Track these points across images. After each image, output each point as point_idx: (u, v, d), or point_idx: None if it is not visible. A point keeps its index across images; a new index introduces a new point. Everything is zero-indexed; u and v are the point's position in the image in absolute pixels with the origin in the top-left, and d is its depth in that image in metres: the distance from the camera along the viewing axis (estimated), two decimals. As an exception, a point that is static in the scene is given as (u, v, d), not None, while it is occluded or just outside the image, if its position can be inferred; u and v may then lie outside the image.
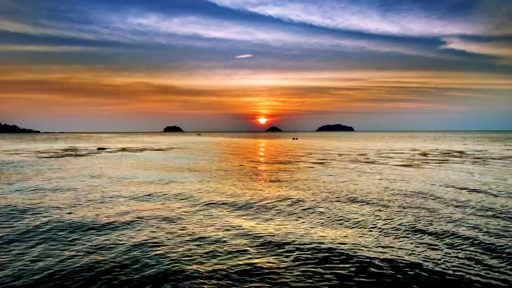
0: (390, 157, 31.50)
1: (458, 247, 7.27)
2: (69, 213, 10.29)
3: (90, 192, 13.88)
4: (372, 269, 6.15)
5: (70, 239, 7.85)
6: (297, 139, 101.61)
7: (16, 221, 9.34)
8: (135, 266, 6.31)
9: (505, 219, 9.48)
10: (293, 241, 7.67)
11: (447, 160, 28.33)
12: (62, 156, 33.90)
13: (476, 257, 6.71)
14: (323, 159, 29.52)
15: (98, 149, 47.63)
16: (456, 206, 11.05)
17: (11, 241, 7.74)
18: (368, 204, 11.50)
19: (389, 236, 8.05)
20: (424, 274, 5.95)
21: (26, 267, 6.24)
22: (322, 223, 9.15)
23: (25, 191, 13.99)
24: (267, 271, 6.09)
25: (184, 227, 8.80)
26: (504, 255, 6.85)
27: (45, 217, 9.79)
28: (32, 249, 7.17)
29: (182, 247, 7.29)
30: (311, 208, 10.94)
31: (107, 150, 45.37)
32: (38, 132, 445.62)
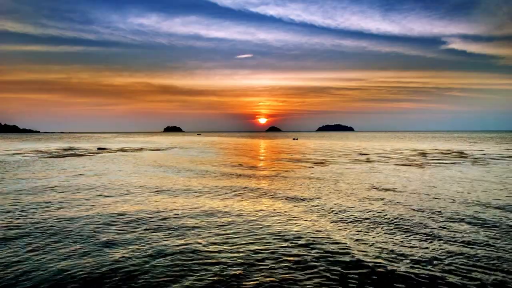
0: (390, 157, 31.53)
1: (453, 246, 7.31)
2: (69, 210, 10.34)
3: (88, 190, 13.91)
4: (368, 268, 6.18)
5: (68, 235, 7.89)
6: (297, 139, 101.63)
7: (16, 219, 9.38)
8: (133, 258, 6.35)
9: (501, 214, 9.54)
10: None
11: (446, 160, 28.36)
12: (62, 156, 33.93)
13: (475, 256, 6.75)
14: (324, 160, 29.58)
15: (98, 149, 47.68)
16: (452, 205, 11.10)
17: (9, 237, 7.78)
18: (368, 202, 11.55)
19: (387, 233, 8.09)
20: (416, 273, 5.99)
21: (24, 263, 6.28)
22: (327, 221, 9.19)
23: (26, 190, 14.01)
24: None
25: (180, 224, 8.85)
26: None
27: (44, 214, 9.83)
28: (32, 246, 7.20)
29: (177, 244, 7.34)
30: (312, 208, 10.98)
31: (107, 150, 45.42)
32: (38, 132, 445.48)
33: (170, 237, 7.99)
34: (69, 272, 5.99)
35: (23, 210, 10.59)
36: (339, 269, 6.19)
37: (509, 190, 14.06)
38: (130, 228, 8.67)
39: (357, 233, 8.35)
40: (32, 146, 55.29)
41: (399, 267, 6.26)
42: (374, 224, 9.14)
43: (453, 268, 6.24)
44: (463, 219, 9.55)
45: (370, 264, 6.37)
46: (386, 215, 10.07)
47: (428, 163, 26.15)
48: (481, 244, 7.47)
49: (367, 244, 7.53)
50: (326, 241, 7.72)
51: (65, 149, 46.60)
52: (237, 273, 6.01)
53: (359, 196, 12.98)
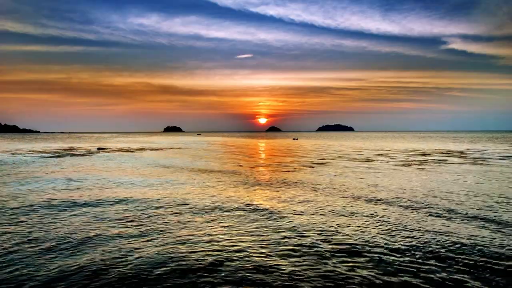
0: (389, 157, 31.54)
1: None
2: (66, 208, 10.35)
3: (86, 189, 13.92)
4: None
5: (64, 232, 7.90)
6: (297, 139, 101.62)
7: (15, 216, 9.40)
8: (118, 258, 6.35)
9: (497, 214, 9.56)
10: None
11: (445, 160, 28.37)
12: (62, 156, 33.94)
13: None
14: (324, 160, 29.59)
15: (98, 149, 47.70)
16: (448, 204, 11.11)
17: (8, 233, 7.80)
18: (369, 202, 11.56)
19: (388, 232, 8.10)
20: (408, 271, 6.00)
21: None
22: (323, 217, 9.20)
23: (25, 189, 14.02)
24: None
25: (176, 225, 8.85)
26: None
27: (42, 212, 9.84)
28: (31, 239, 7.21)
29: (170, 244, 7.34)
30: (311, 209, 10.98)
31: (107, 150, 45.43)
32: (38, 132, 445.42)
33: (164, 235, 8.00)
34: (56, 269, 6.01)
35: (21, 207, 10.60)
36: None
37: (508, 190, 14.08)
38: (124, 226, 8.68)
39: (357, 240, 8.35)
40: (32, 146, 55.31)
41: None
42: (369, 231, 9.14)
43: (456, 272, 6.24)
44: (461, 221, 9.56)
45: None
46: (383, 219, 10.07)
47: (427, 163, 26.16)
48: (482, 245, 7.48)
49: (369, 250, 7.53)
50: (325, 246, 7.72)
51: (65, 149, 46.60)
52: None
53: (359, 198, 12.99)
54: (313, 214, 10.05)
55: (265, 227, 8.76)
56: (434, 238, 7.80)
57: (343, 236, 8.02)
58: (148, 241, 7.64)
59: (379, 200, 12.14)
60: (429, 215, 9.92)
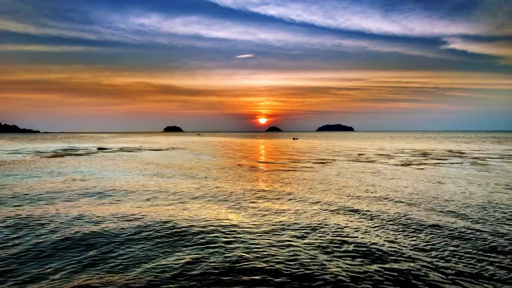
0: (389, 157, 31.53)
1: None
2: (65, 208, 10.34)
3: (84, 189, 13.92)
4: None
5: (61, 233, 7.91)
6: (297, 139, 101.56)
7: (14, 214, 9.39)
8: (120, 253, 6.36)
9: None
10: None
11: (445, 160, 28.36)
12: (62, 156, 33.94)
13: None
14: (323, 160, 29.59)
15: (98, 149, 47.70)
16: (444, 204, 11.11)
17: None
18: (367, 202, 11.57)
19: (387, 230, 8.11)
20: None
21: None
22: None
23: (25, 189, 14.02)
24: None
25: (174, 225, 8.86)
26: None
27: (42, 212, 9.83)
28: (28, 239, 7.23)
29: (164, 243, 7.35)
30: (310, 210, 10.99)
31: (107, 150, 45.44)
32: (38, 132, 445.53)
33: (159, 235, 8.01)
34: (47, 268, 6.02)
35: (20, 205, 10.61)
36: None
37: (507, 190, 14.09)
38: (121, 227, 8.69)
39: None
40: (32, 146, 55.29)
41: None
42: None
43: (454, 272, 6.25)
44: (458, 221, 9.57)
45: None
46: (379, 218, 10.08)
47: (427, 163, 26.16)
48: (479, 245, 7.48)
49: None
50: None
51: (65, 149, 46.61)
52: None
53: (361, 197, 12.99)
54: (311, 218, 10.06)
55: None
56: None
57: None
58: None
59: (374, 206, 12.15)
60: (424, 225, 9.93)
